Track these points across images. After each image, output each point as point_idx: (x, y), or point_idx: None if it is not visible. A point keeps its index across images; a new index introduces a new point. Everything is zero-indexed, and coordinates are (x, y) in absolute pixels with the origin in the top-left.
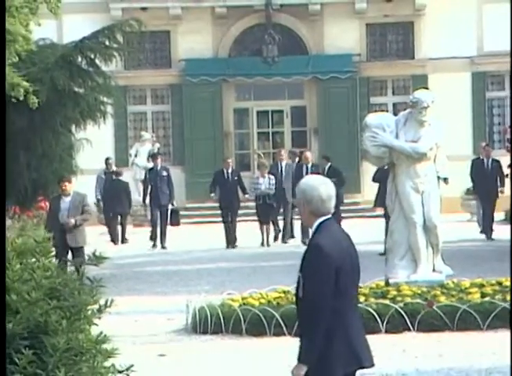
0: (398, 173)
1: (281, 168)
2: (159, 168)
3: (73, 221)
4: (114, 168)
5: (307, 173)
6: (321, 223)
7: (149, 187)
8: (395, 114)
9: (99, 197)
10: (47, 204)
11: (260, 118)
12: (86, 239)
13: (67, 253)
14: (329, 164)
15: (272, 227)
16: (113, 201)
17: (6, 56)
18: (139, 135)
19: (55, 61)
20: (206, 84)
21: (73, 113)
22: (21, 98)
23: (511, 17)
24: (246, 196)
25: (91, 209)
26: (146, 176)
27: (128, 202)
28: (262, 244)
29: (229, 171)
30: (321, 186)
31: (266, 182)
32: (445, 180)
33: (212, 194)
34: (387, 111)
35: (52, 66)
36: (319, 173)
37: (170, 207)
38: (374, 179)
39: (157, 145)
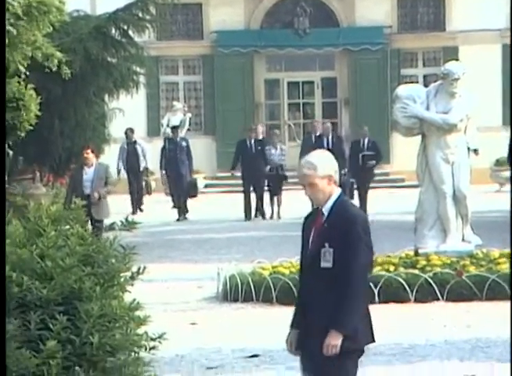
0: (428, 144)
1: (315, 139)
2: (178, 138)
3: (97, 195)
4: (135, 139)
5: (328, 145)
6: (341, 194)
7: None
8: (426, 86)
9: (121, 168)
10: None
11: (290, 89)
12: (109, 212)
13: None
14: (368, 137)
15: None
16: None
17: (41, 27)
18: (171, 105)
19: (89, 32)
20: (237, 55)
21: (106, 83)
22: (54, 68)
23: None
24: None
25: (114, 180)
26: (164, 146)
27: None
28: (271, 217)
29: (252, 141)
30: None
31: (278, 153)
32: (476, 151)
33: (235, 169)
34: (417, 83)
35: (85, 36)
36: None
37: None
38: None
39: (189, 115)
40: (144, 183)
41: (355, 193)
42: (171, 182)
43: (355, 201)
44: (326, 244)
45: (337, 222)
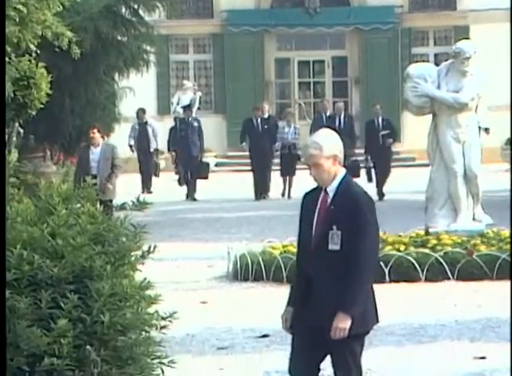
0: (439, 123)
1: (326, 119)
2: (190, 118)
3: (110, 186)
4: (146, 120)
5: (339, 124)
6: (346, 174)
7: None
8: (437, 65)
9: (132, 143)
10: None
11: (301, 68)
12: (116, 192)
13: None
14: (381, 116)
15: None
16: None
17: (51, 6)
18: (181, 84)
19: (99, 11)
20: (247, 34)
21: (117, 62)
22: (64, 47)
23: None
24: (276, 145)
25: (121, 161)
26: (175, 126)
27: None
28: (283, 194)
29: (259, 120)
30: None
31: (292, 132)
32: (487, 130)
33: (243, 143)
34: (428, 62)
35: (96, 15)
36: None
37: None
38: None
39: (199, 93)
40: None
41: (374, 173)
42: (181, 163)
43: (372, 183)
44: (334, 227)
45: (344, 203)
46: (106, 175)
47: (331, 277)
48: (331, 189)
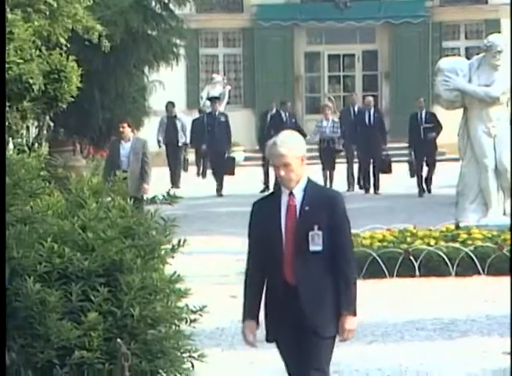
0: (470, 117)
1: (354, 112)
2: (217, 113)
3: (146, 186)
4: (175, 113)
5: (369, 119)
6: (308, 176)
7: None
8: (468, 59)
9: (160, 139)
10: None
11: (331, 62)
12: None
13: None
14: (425, 109)
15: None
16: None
17: (81, 0)
18: (211, 78)
19: (130, 5)
20: (277, 28)
21: (147, 55)
22: (95, 41)
23: None
24: (307, 138)
25: (149, 157)
26: (201, 118)
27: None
28: None
29: (287, 114)
30: None
31: (330, 126)
32: None
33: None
34: (459, 56)
35: (126, 9)
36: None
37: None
38: None
39: (228, 87)
40: (182, 159)
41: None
42: (207, 158)
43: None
44: (315, 227)
45: (320, 203)
46: (136, 170)
47: (315, 278)
48: (298, 191)
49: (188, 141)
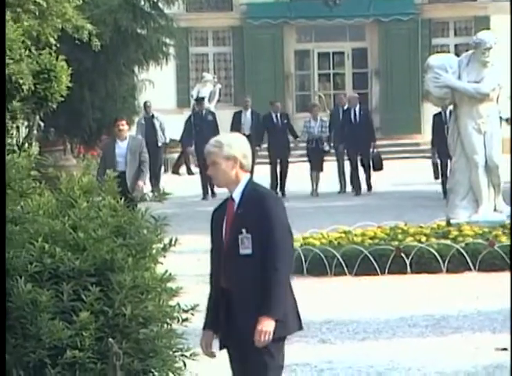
0: (460, 114)
1: (342, 112)
2: (204, 112)
3: (141, 184)
4: (153, 113)
5: (355, 116)
6: (250, 179)
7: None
8: (457, 56)
9: None
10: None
11: (321, 60)
12: (143, 189)
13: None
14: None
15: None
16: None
17: (70, 0)
18: (201, 77)
19: (119, 4)
20: (267, 26)
21: (136, 55)
22: (84, 40)
23: None
24: (298, 139)
25: (147, 157)
26: (189, 118)
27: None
28: (312, 193)
29: (278, 114)
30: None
31: (318, 125)
32: (508, 120)
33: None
34: (449, 52)
35: (115, 8)
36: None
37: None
38: None
39: (218, 86)
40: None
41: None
42: (197, 157)
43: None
44: (244, 230)
45: (250, 206)
46: (133, 171)
47: (245, 283)
48: (236, 194)
49: (167, 141)
